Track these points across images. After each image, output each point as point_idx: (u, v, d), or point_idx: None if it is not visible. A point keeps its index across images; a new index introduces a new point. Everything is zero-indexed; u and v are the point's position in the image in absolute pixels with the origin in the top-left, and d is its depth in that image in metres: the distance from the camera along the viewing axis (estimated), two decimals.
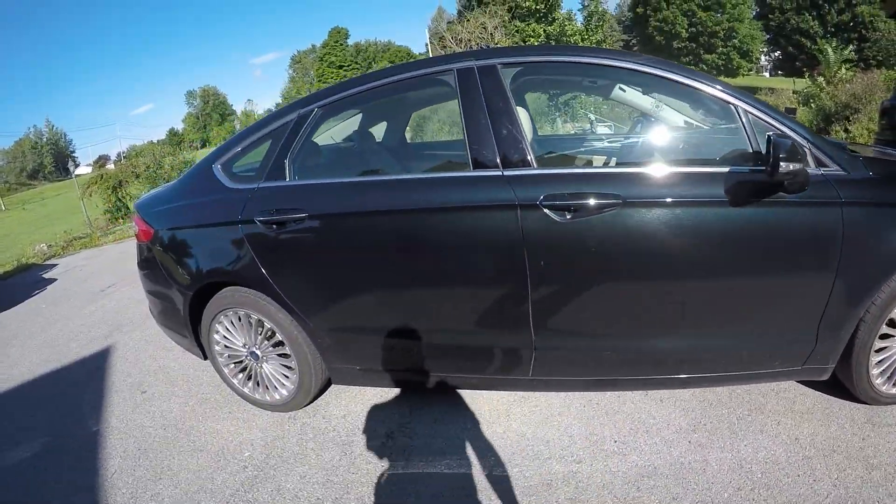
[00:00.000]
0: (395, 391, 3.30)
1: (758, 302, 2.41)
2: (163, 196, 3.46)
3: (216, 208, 3.01)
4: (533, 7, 27.82)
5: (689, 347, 2.49)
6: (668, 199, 2.31)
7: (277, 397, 3.20)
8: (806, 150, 2.30)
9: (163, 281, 3.24)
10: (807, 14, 44.38)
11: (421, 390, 3.06)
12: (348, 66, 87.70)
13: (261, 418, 3.28)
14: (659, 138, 3.02)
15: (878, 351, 2.52)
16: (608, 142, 3.74)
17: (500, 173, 2.43)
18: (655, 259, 2.36)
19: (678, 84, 2.48)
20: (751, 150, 2.32)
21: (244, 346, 3.16)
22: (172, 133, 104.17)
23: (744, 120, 2.35)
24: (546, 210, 2.34)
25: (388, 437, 2.90)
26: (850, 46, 27.89)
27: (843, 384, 2.68)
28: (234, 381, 3.30)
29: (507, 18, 29.56)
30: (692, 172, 2.36)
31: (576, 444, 2.63)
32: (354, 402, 3.30)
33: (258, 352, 3.13)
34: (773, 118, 2.35)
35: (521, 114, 2.61)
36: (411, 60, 3.44)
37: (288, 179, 2.90)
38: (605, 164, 3.22)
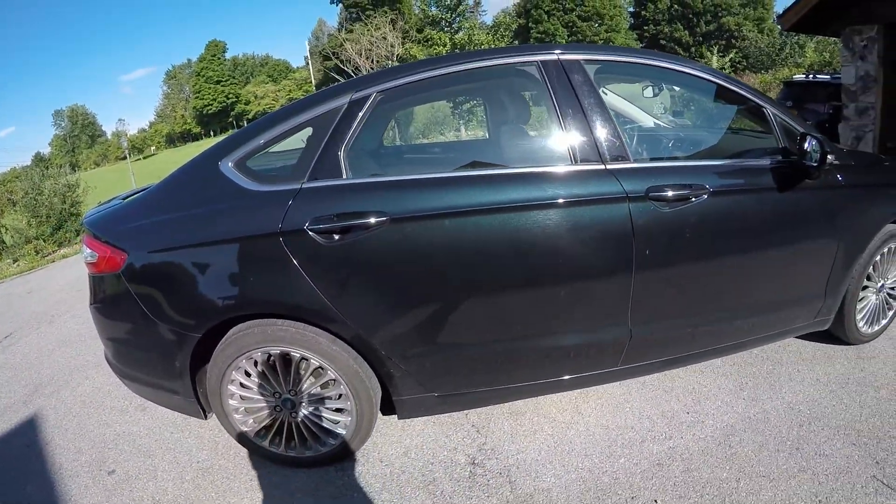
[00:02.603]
0: (443, 416, 3.13)
1: (793, 271, 2.94)
2: (135, 209, 2.74)
3: (237, 218, 2.47)
4: (445, 3, 27.84)
5: (747, 314, 2.89)
6: (738, 188, 2.74)
7: (324, 449, 2.74)
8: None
9: (144, 323, 2.55)
10: (678, 24, 51.00)
11: (484, 406, 3.03)
12: (226, 80, 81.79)
13: (297, 478, 2.76)
14: (701, 136, 3.46)
15: (860, 301, 3.27)
16: (670, 136, 3.93)
17: (604, 167, 2.56)
18: (731, 242, 2.74)
19: (730, 91, 2.93)
20: (780, 146, 2.87)
21: (274, 394, 2.65)
22: (39, 158, 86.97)
23: (774, 122, 2.89)
24: (652, 201, 2.54)
25: (473, 464, 2.75)
26: (732, 52, 31.43)
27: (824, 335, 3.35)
28: (261, 441, 2.76)
29: (406, 29, 29.35)
30: (749, 166, 2.83)
31: (656, 424, 2.86)
32: (404, 436, 3.02)
33: (294, 398, 2.67)
34: (794, 120, 2.92)
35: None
36: (479, 49, 3.40)
37: (346, 177, 2.51)
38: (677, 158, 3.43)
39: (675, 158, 3.22)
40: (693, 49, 38.49)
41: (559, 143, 2.62)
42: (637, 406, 3.02)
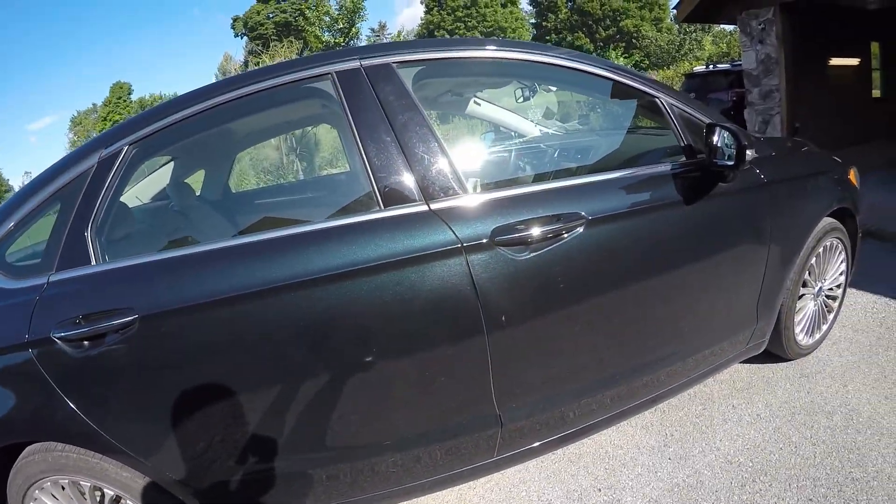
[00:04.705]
0: None
1: (714, 300, 2.40)
2: None
3: None
4: (336, 27, 26.97)
5: (655, 364, 2.29)
6: (627, 210, 2.13)
7: None
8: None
9: None
10: (580, 32, 52.21)
11: None
12: None
13: None
14: (576, 143, 2.87)
15: (798, 311, 2.77)
16: (522, 150, 3.29)
17: (426, 208, 1.90)
18: (625, 283, 2.14)
19: (596, 76, 2.31)
20: (682, 144, 2.28)
21: None
22: None
23: (671, 114, 2.29)
24: (500, 247, 1.89)
25: None
26: (634, 53, 32.13)
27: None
28: None
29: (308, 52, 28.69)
30: (643, 176, 2.23)
31: None
32: None
33: None
34: (695, 109, 2.35)
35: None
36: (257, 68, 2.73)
37: (95, 262, 1.98)
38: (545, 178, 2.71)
39: (544, 180, 2.52)
40: (596, 54, 40.02)
41: (360, 182, 1.98)
42: (536, 487, 2.34)
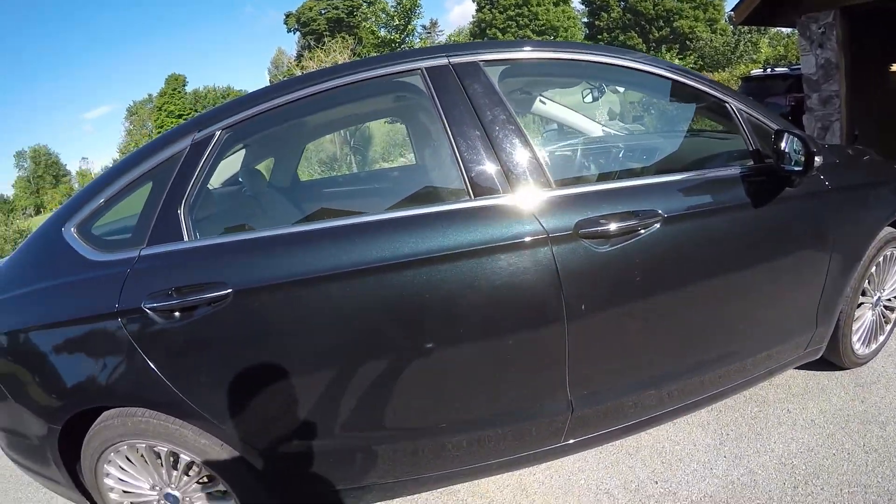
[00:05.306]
0: None
1: (777, 302, 2.46)
2: None
3: (78, 294, 2.12)
4: (393, 24, 27.11)
5: (717, 362, 2.38)
6: (701, 209, 2.22)
7: None
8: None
9: (11, 409, 2.26)
10: (632, 32, 51.79)
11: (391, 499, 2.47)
12: (188, 114, 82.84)
13: None
14: (643, 143, 2.97)
15: (855, 320, 2.79)
16: (620, 148, 3.36)
17: (513, 200, 2.02)
18: (696, 279, 2.23)
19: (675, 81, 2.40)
20: (751, 149, 2.35)
21: (154, 487, 2.26)
22: (2, 200, 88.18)
23: (740, 118, 2.36)
24: (584, 239, 2.00)
25: None
26: (689, 55, 31.52)
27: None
28: None
29: (360, 53, 28.69)
30: (715, 178, 2.31)
31: (617, 500, 2.32)
32: None
33: (177, 493, 2.23)
34: (763, 114, 2.41)
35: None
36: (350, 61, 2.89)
37: (187, 238, 2.09)
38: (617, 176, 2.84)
39: (617, 178, 2.65)
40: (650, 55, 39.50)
41: (452, 173, 2.09)
42: (594, 477, 2.47)
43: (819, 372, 2.94)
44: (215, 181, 2.75)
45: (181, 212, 2.09)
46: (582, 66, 2.48)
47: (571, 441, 2.21)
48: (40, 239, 2.34)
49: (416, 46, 26.55)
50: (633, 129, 4.03)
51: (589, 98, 3.40)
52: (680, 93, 2.59)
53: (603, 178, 2.73)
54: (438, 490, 2.54)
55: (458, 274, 1.95)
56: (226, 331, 2.00)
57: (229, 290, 1.94)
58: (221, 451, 2.11)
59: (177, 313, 1.97)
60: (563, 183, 2.23)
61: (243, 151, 2.98)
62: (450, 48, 2.24)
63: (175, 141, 2.20)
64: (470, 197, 2.01)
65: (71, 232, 2.19)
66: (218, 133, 2.17)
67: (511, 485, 2.51)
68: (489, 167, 2.04)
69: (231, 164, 2.96)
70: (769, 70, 12.93)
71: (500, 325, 2.01)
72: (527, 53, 2.38)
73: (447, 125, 2.08)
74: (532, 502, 2.39)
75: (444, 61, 2.16)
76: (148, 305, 1.97)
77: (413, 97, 2.56)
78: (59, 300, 2.15)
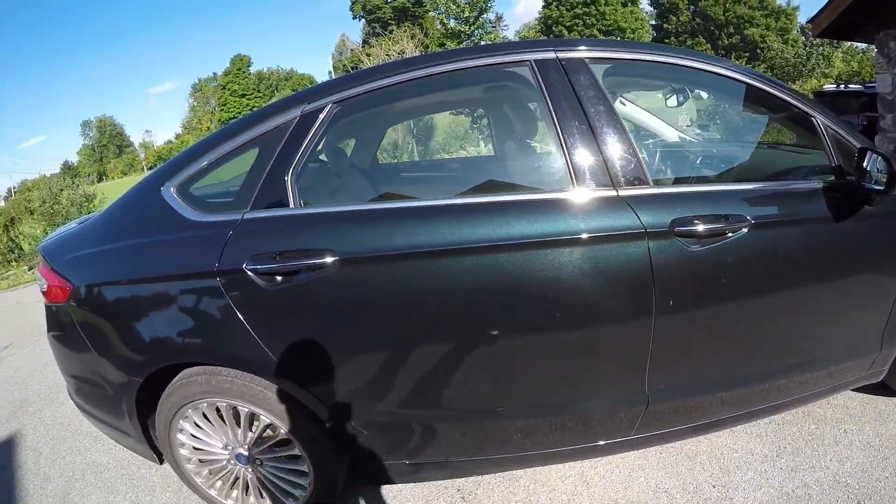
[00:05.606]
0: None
1: (846, 318, 2.51)
2: (83, 236, 2.54)
3: (175, 252, 2.24)
4: (464, 16, 27.30)
5: (784, 372, 2.47)
6: (784, 219, 2.32)
7: None
8: None
9: (91, 360, 2.38)
10: (701, 37, 51.02)
11: (466, 477, 2.67)
12: (251, 94, 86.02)
13: None
14: (735, 153, 3.04)
15: None
16: (698, 154, 3.45)
17: (615, 194, 2.13)
18: (774, 287, 2.31)
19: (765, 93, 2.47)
20: (833, 164, 2.40)
21: (226, 446, 2.40)
22: (67, 166, 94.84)
23: (825, 134, 2.41)
24: (678, 237, 2.11)
25: None
26: (759, 64, 30.75)
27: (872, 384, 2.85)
28: (215, 495, 2.52)
29: (427, 44, 28.97)
30: (797, 190, 2.39)
31: (676, 501, 2.45)
32: (376, 500, 2.66)
33: (248, 454, 2.39)
34: (847, 132, 2.46)
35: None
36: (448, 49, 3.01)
37: (293, 206, 2.20)
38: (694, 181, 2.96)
39: (707, 181, 2.76)
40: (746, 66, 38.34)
41: (557, 163, 2.21)
42: (653, 476, 2.61)
43: (876, 396, 3.00)
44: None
45: (288, 179, 2.20)
46: (681, 71, 2.55)
47: (641, 436, 2.34)
48: (136, 197, 2.48)
49: (485, 40, 26.51)
50: (709, 136, 4.09)
51: (673, 102, 3.49)
52: (769, 104, 2.66)
53: (680, 181, 2.82)
54: (501, 475, 2.71)
55: (557, 259, 2.06)
56: (324, 297, 2.09)
57: (336, 258, 2.05)
58: (302, 414, 2.23)
59: (279, 277, 2.08)
60: (658, 182, 2.34)
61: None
62: (556, 43, 2.35)
63: (284, 111, 2.31)
64: (573, 187, 2.13)
65: (171, 192, 2.32)
66: (328, 106, 2.27)
67: (573, 476, 2.67)
68: (594, 160, 2.15)
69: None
70: (842, 86, 12.63)
71: (592, 312, 2.13)
72: (630, 54, 2.46)
73: (555, 117, 2.19)
74: (593, 494, 2.54)
75: (552, 55, 2.27)
76: (250, 267, 2.08)
77: (518, 87, 2.67)
78: (156, 257, 2.27)
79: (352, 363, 2.18)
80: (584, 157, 2.15)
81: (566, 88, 2.21)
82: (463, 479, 2.71)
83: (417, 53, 28.13)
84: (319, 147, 2.35)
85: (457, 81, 2.59)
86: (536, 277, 2.06)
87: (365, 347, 2.17)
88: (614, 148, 2.17)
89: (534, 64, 2.26)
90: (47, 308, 2.57)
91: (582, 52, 2.30)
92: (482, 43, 26.67)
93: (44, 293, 2.52)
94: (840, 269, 2.42)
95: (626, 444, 2.37)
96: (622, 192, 2.12)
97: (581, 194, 2.12)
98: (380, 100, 2.51)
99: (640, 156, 2.21)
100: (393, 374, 2.18)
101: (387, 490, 2.70)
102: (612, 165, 2.15)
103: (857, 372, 2.65)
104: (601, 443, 2.33)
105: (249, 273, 2.08)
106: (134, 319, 2.27)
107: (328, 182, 3.11)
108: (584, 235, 2.05)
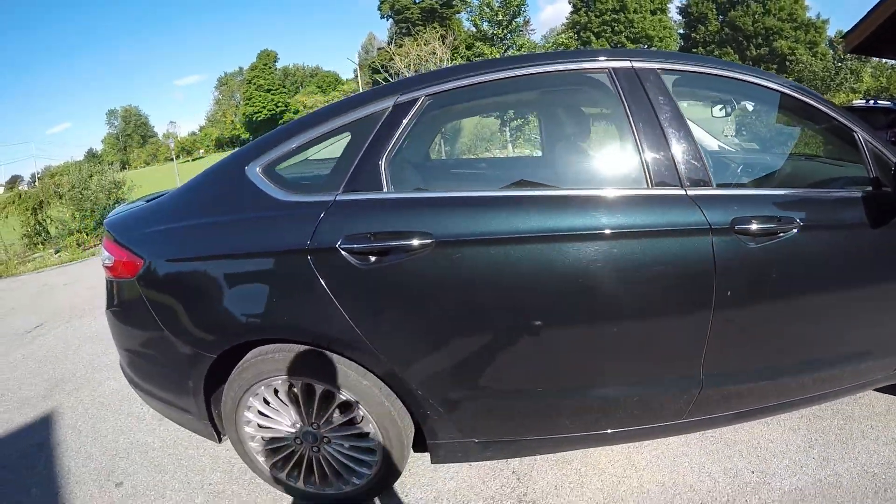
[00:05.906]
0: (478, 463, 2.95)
1: (880, 318, 2.69)
2: (156, 212, 2.61)
3: (261, 230, 2.31)
4: (496, 19, 27.47)
5: (823, 366, 2.65)
6: (828, 223, 2.51)
7: (347, 488, 2.57)
8: None
9: (157, 336, 2.43)
10: (729, 47, 51.25)
11: (530, 456, 2.87)
12: (276, 89, 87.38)
13: None
14: (774, 161, 3.24)
15: None
16: (739, 161, 3.63)
17: (683, 192, 2.33)
18: (818, 284, 2.50)
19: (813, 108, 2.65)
20: (871, 176, 2.59)
21: (294, 424, 2.49)
22: (91, 154, 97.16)
23: (865, 148, 2.61)
24: (738, 234, 2.31)
25: None
26: (787, 76, 30.75)
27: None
28: (277, 473, 2.62)
29: (456, 45, 29.10)
30: (839, 197, 2.57)
31: (718, 483, 2.68)
32: (436, 479, 2.85)
33: (317, 432, 2.48)
34: (885, 147, 2.65)
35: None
36: (539, 52, 3.16)
37: (387, 189, 2.31)
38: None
39: (759, 186, 2.98)
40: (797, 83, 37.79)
41: (632, 162, 2.40)
42: (697, 461, 2.84)
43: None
44: (328, 154, 2.83)
45: (382, 164, 2.31)
46: (736, 84, 2.74)
47: (691, 420, 2.53)
48: (218, 175, 2.54)
49: (517, 43, 26.74)
50: (748, 146, 4.29)
51: (721, 112, 3.70)
52: (816, 118, 2.81)
53: (723, 185, 2.96)
54: (553, 458, 2.93)
55: (631, 250, 2.24)
56: (416, 278, 2.19)
57: (432, 240, 2.17)
58: (381, 393, 2.35)
59: (372, 257, 2.17)
60: (721, 185, 2.53)
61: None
62: (631, 53, 2.52)
63: (377, 100, 2.42)
64: (648, 185, 2.34)
65: (256, 171, 2.40)
66: (422, 98, 2.40)
67: (621, 460, 2.89)
68: (665, 162, 2.35)
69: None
70: (872, 102, 12.67)
71: (660, 299, 2.32)
72: (697, 67, 2.61)
73: (632, 121, 2.38)
74: (641, 476, 2.76)
75: (627, 64, 2.46)
76: (344, 246, 2.17)
77: (595, 92, 2.82)
78: (240, 234, 2.33)
79: (438, 343, 2.30)
80: (656, 158, 2.36)
81: (642, 95, 2.41)
82: (518, 460, 2.92)
83: (447, 55, 28.19)
84: (410, 136, 2.45)
85: (538, 84, 2.76)
86: (615, 266, 2.25)
87: (452, 328, 2.28)
88: (683, 150, 2.38)
89: (612, 71, 2.45)
90: (109, 283, 2.64)
91: (656, 63, 2.49)
92: (514, 48, 26.77)
93: (108, 268, 2.57)
94: (874, 273, 2.60)
95: (676, 428, 2.57)
96: (689, 192, 2.33)
97: (655, 192, 2.33)
98: (468, 95, 2.65)
99: (704, 159, 2.42)
100: (476, 354, 2.32)
101: (446, 469, 2.91)
102: (681, 166, 2.36)
103: (884, 371, 2.83)
104: (653, 426, 2.53)
105: (343, 252, 2.17)
106: (212, 295, 2.33)
107: (419, 169, 3.24)
108: (658, 229, 2.26)
